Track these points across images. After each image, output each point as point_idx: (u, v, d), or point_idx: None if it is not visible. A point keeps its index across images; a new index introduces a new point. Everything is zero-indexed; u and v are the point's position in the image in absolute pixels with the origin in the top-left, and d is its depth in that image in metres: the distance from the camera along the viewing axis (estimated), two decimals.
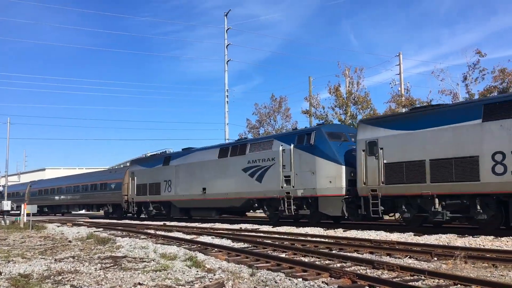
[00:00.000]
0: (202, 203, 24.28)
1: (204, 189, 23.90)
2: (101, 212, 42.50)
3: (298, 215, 19.50)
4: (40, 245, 14.61)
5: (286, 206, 19.16)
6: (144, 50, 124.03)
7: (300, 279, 7.56)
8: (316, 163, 18.11)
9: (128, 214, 33.53)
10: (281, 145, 19.70)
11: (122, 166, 64.71)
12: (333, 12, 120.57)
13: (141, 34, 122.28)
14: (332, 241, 13.31)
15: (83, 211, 45.99)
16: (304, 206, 18.85)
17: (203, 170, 24.37)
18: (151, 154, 31.28)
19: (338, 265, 8.96)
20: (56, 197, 44.22)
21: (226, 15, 41.62)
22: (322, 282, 7.31)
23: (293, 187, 18.99)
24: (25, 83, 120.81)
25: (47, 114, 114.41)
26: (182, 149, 27.96)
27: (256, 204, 21.29)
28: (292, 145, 19.19)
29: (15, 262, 10.20)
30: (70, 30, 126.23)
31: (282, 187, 19.46)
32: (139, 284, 7.45)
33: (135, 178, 30.33)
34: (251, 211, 25.42)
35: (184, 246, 12.87)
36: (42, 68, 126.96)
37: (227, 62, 41.09)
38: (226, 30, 41.31)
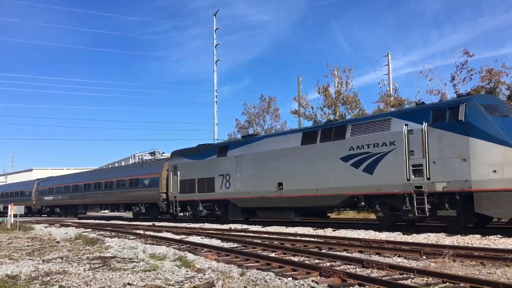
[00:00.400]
0: (277, 202, 19.87)
1: (280, 184, 19.57)
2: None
3: (434, 217, 15.00)
4: (28, 246, 14.46)
5: (415, 204, 14.67)
6: (132, 50, 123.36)
7: (290, 278, 7.56)
8: (470, 146, 13.64)
9: (164, 215, 29.83)
10: (406, 124, 15.27)
11: (110, 166, 64.08)
12: (322, 13, 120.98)
13: (130, 34, 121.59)
14: (321, 240, 13.34)
15: (106, 212, 42.59)
16: (446, 205, 14.30)
17: (278, 160, 19.92)
18: (199, 144, 26.49)
19: (328, 264, 8.97)
20: (72, 196, 39.64)
21: (214, 15, 41.62)
22: (312, 281, 7.32)
23: (428, 179, 14.49)
24: (9, 82, 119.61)
25: (33, 114, 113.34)
26: (242, 137, 24.43)
27: (363, 202, 16.90)
28: (425, 124, 14.79)
29: (2, 263, 10.08)
30: (57, 29, 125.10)
31: (408, 180, 14.98)
32: (129, 284, 7.40)
33: (178, 172, 25.91)
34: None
35: (174, 246, 12.81)
36: (27, 67, 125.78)
37: (216, 62, 41.05)
38: (215, 30, 41.30)
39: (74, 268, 9.08)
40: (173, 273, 8.29)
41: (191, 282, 7.43)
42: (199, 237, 15.48)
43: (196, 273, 8.30)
